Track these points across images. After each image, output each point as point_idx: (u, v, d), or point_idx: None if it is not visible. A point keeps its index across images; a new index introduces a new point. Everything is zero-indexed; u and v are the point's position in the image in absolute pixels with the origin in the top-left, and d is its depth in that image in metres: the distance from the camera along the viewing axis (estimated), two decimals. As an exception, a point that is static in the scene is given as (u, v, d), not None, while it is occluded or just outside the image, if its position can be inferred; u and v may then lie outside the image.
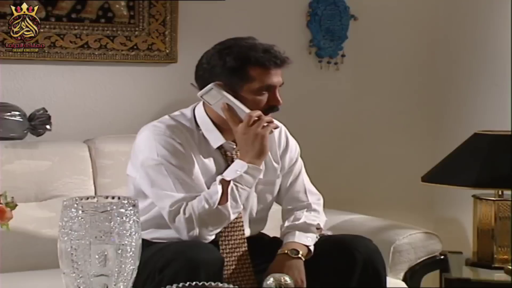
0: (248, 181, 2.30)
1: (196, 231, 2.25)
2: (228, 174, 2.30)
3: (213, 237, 2.31)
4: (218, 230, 2.33)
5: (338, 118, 3.64)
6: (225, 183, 2.27)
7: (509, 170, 2.88)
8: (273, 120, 2.34)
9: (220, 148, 2.41)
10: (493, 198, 2.99)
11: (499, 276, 2.87)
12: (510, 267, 2.82)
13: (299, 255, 2.37)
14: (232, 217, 2.30)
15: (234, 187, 2.27)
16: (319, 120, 3.59)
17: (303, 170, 2.59)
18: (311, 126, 3.53)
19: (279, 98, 2.35)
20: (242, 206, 2.33)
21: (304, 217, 2.48)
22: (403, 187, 3.69)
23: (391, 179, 3.72)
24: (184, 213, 2.25)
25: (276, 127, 2.36)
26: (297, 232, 2.43)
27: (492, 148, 2.97)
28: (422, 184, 3.10)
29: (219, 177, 2.30)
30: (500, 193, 2.99)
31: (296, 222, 2.47)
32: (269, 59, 2.31)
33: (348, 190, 3.55)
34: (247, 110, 2.29)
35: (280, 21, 3.48)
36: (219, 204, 2.25)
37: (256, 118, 2.28)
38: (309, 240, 2.43)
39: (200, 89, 2.35)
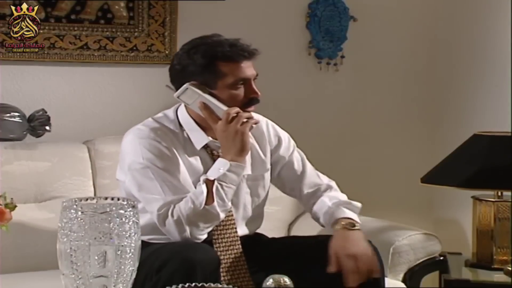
0: (232, 179, 2.29)
1: (187, 233, 2.26)
2: (211, 174, 2.30)
3: (205, 236, 2.31)
4: (210, 229, 2.33)
5: (338, 119, 3.64)
6: (209, 183, 2.27)
7: (508, 171, 2.87)
8: (253, 115, 2.34)
9: (206, 147, 2.41)
10: (492, 199, 2.98)
11: (499, 277, 2.87)
12: (509, 268, 2.82)
13: (357, 227, 2.36)
14: (222, 215, 2.30)
15: (219, 186, 2.27)
16: (318, 121, 3.59)
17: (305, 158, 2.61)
18: (310, 127, 3.53)
19: (256, 89, 2.36)
20: (230, 204, 2.33)
21: (341, 196, 2.52)
22: (403, 188, 3.69)
23: (391, 180, 3.72)
24: (173, 216, 2.26)
25: (257, 122, 2.36)
26: (346, 210, 2.44)
27: (491, 149, 2.97)
28: (422, 185, 3.10)
29: (203, 177, 2.30)
30: (499, 194, 2.98)
31: (336, 201, 2.48)
32: (236, 52, 2.32)
33: (347, 191, 3.52)
34: (224, 108, 2.30)
35: (279, 22, 3.48)
36: (206, 204, 2.25)
37: (235, 115, 2.29)
38: (356, 217, 2.44)
39: (176, 90, 2.36)
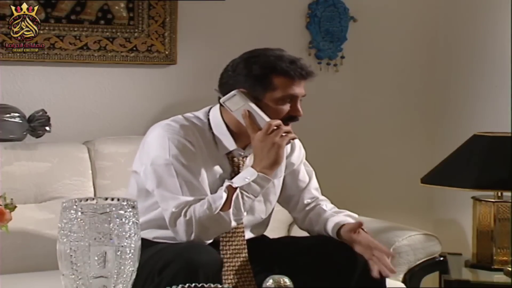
0: (255, 190, 2.30)
1: (194, 235, 2.26)
2: (236, 181, 2.30)
3: (211, 240, 2.31)
4: (218, 235, 2.33)
5: (338, 119, 3.64)
6: (231, 190, 2.27)
7: (508, 172, 2.88)
8: (291, 130, 2.35)
9: (228, 153, 2.41)
10: (492, 200, 2.98)
11: (499, 277, 2.87)
12: (509, 269, 2.82)
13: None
14: (233, 224, 2.30)
15: (239, 194, 2.27)
16: (318, 122, 3.58)
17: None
18: (310, 127, 3.51)
19: (300, 109, 2.36)
20: (245, 214, 2.33)
21: (337, 209, 2.55)
22: (403, 188, 3.69)
23: (391, 180, 3.72)
24: (185, 216, 2.25)
25: (294, 138, 2.37)
26: (347, 217, 2.47)
27: (491, 149, 2.97)
28: (422, 185, 3.10)
29: (226, 183, 2.30)
30: (499, 194, 2.98)
31: (335, 209, 2.53)
32: (295, 69, 2.32)
33: (347, 191, 3.55)
34: (268, 119, 2.31)
35: (279, 22, 3.48)
36: (221, 210, 2.25)
37: (275, 128, 2.29)
38: None
39: (223, 95, 2.36)
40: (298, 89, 2.35)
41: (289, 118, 2.36)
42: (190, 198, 2.27)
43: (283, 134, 2.30)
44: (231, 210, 2.26)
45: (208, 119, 2.43)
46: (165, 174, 2.30)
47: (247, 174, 2.30)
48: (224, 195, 2.26)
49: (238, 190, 2.27)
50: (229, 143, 2.40)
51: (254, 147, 2.34)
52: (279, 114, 2.34)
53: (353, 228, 2.37)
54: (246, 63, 2.35)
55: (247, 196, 2.29)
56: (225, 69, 2.41)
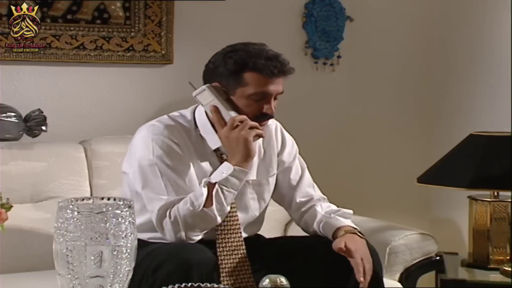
0: (234, 183, 2.30)
1: (182, 233, 2.26)
2: (214, 177, 2.31)
3: (200, 237, 2.31)
4: (206, 231, 2.33)
5: (334, 119, 3.64)
6: (210, 186, 2.28)
7: (504, 171, 2.88)
8: (259, 126, 2.33)
9: (216, 150, 2.41)
10: (488, 199, 2.98)
11: (495, 277, 2.87)
12: (506, 268, 2.82)
13: (364, 237, 2.39)
14: (219, 219, 2.30)
15: (219, 189, 2.28)
16: (314, 121, 3.59)
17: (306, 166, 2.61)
18: (306, 127, 3.53)
19: (272, 107, 2.35)
20: (228, 208, 2.33)
21: (333, 206, 2.52)
22: (399, 188, 3.69)
23: (387, 180, 3.72)
24: (170, 216, 2.26)
25: (261, 135, 2.34)
26: (342, 218, 2.44)
27: (487, 149, 2.97)
28: (418, 185, 3.10)
29: (204, 179, 2.30)
30: (495, 194, 2.98)
31: (329, 210, 2.49)
32: (267, 67, 2.31)
33: (344, 191, 3.55)
34: (233, 114, 2.31)
35: (276, 22, 3.48)
36: (204, 206, 2.25)
37: (239, 123, 2.29)
38: (353, 225, 2.44)
39: None
40: (273, 87, 2.34)
41: (262, 115, 2.35)
42: (174, 198, 2.28)
43: (249, 129, 2.29)
44: (214, 205, 2.26)
45: (194, 117, 2.43)
46: (150, 175, 2.31)
47: (223, 169, 2.31)
48: (205, 192, 2.26)
49: (217, 185, 2.28)
50: (214, 140, 2.40)
51: (222, 143, 2.35)
52: (249, 110, 2.33)
53: (338, 250, 2.32)
54: (223, 57, 2.35)
55: (227, 191, 2.29)
56: (208, 61, 2.41)
